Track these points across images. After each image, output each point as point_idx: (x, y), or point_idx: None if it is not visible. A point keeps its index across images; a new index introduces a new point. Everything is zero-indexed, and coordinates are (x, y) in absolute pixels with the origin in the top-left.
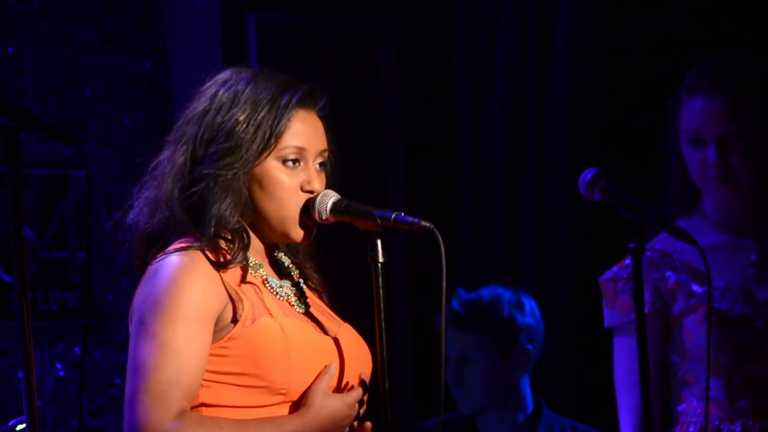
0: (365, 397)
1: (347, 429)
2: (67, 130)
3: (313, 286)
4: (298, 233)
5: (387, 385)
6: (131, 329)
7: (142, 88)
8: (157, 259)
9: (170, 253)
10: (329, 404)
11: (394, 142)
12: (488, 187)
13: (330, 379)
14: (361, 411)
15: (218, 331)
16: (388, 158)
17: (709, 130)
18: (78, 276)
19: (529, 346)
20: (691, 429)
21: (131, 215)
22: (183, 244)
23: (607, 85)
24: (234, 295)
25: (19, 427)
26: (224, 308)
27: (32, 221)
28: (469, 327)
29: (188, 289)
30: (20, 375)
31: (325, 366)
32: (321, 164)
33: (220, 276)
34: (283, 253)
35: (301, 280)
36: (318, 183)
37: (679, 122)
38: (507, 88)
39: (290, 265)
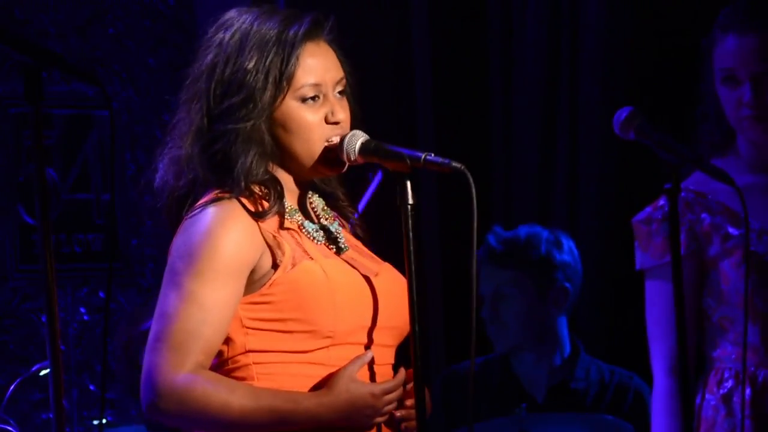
0: (405, 392)
1: (378, 421)
2: (90, 70)
3: (345, 219)
4: (327, 166)
5: (417, 328)
6: (164, 275)
7: (166, 27)
8: (194, 211)
9: (208, 203)
10: (352, 389)
11: (424, 83)
12: (520, 128)
13: (361, 366)
14: (398, 413)
15: (259, 279)
16: (418, 99)
17: (744, 69)
18: (102, 218)
19: (567, 284)
20: (726, 375)
21: (157, 179)
22: (219, 194)
23: (642, 25)
24: (272, 242)
25: (43, 372)
26: (261, 257)
27: (55, 162)
28: (505, 263)
29: (221, 241)
30: (43, 319)
31: (356, 357)
32: (341, 92)
33: (258, 224)
34: (317, 195)
35: (336, 223)
36: (342, 113)
37: (713, 61)
38: (540, 27)
39: (325, 208)
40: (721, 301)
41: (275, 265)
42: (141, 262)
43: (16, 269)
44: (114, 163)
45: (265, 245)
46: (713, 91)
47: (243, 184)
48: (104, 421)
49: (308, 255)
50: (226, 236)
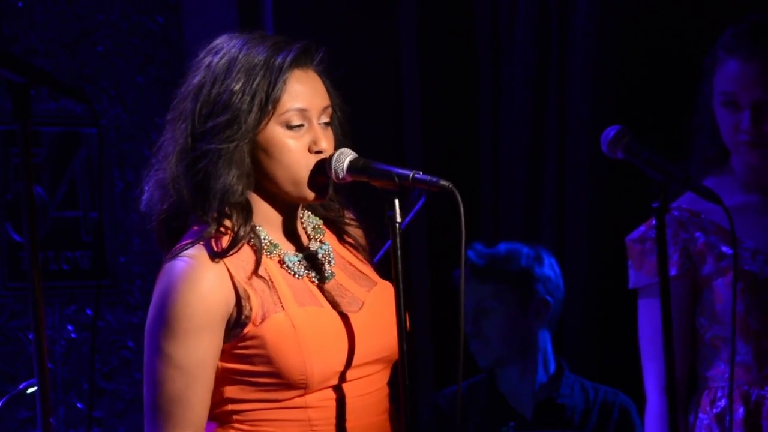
0: None
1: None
2: (78, 87)
3: (349, 240)
4: (311, 194)
5: (405, 347)
6: (145, 326)
7: (154, 45)
8: (168, 258)
9: (177, 253)
10: None
11: (412, 99)
12: (509, 146)
13: None
14: None
15: (230, 330)
16: (406, 116)
17: (745, 95)
18: (90, 236)
19: (548, 297)
20: (719, 394)
21: (143, 202)
22: (188, 241)
23: (631, 43)
24: (242, 293)
25: (30, 389)
26: (234, 307)
27: (43, 180)
28: (485, 277)
29: (190, 299)
30: (31, 337)
31: None
32: (327, 122)
33: (228, 270)
34: (310, 213)
35: (326, 243)
36: (325, 142)
37: (714, 81)
38: (528, 43)
39: (317, 227)
40: (714, 320)
41: (243, 322)
42: (129, 280)
43: (4, 287)
44: (102, 180)
45: (235, 297)
46: (710, 109)
47: (216, 205)
48: None
49: (280, 303)
50: (194, 292)
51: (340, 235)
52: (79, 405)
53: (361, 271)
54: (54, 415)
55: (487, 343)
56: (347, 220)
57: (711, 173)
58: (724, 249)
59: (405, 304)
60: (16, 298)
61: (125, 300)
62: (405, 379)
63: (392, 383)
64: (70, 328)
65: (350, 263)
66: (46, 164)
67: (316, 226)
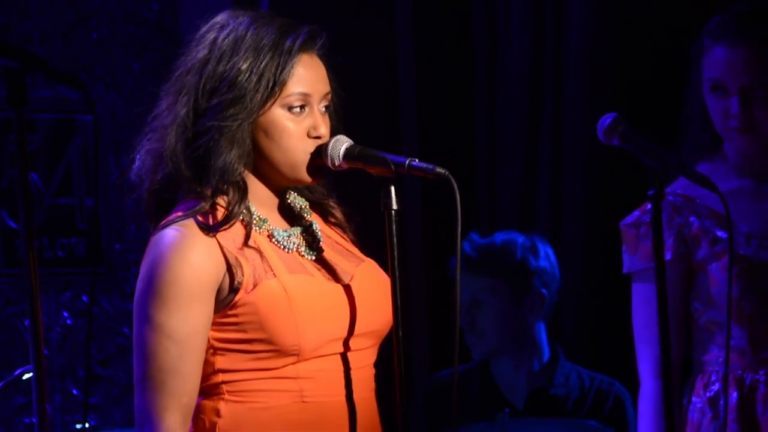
0: None
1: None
2: (74, 74)
3: (333, 220)
4: (308, 176)
5: (400, 333)
6: (134, 297)
7: (149, 33)
8: (156, 231)
9: (166, 225)
10: None
11: (408, 87)
12: (504, 133)
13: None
14: None
15: (222, 299)
16: (402, 104)
17: (733, 81)
18: (85, 223)
19: (544, 291)
20: (713, 378)
21: (134, 170)
22: (180, 213)
23: (627, 30)
24: (233, 261)
25: (26, 376)
26: (223, 277)
27: (39, 167)
28: (481, 270)
29: (180, 268)
30: (26, 323)
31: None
32: (326, 107)
33: (218, 242)
34: (296, 194)
35: (314, 222)
36: (324, 127)
37: (702, 69)
38: (524, 31)
39: (304, 206)
40: (709, 304)
41: (235, 288)
42: (124, 267)
43: (0, 273)
44: (97, 167)
45: (225, 265)
46: (700, 97)
47: (215, 182)
48: (87, 425)
49: (272, 271)
50: (184, 261)
51: (326, 216)
52: (74, 391)
53: (347, 250)
54: (50, 402)
55: (481, 335)
56: (331, 203)
57: (704, 160)
58: (719, 233)
59: (397, 290)
60: (12, 285)
61: (121, 287)
62: (401, 365)
63: (386, 368)
64: (65, 314)
65: (337, 242)
66: (42, 151)
67: (303, 207)
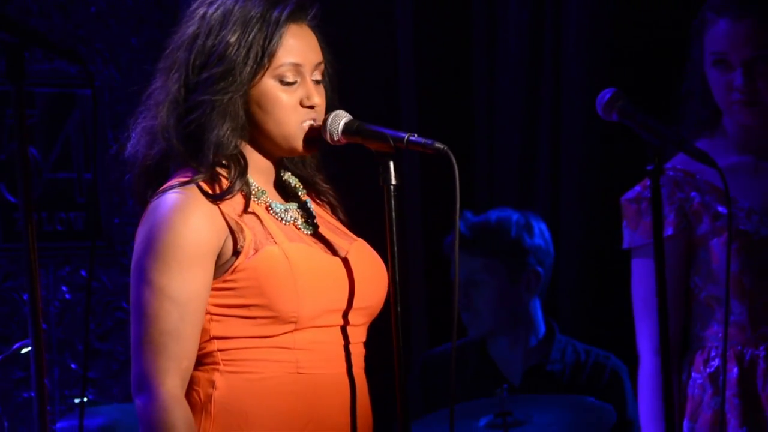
0: None
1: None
2: (73, 48)
3: (325, 200)
4: (302, 146)
5: (399, 309)
6: (132, 264)
7: (148, 6)
8: (155, 196)
9: (166, 190)
10: None
11: (407, 63)
12: (503, 109)
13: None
14: None
15: (222, 264)
16: (401, 80)
17: (737, 54)
18: (84, 197)
19: (539, 268)
20: (713, 354)
21: (128, 147)
22: (181, 179)
23: (626, 6)
24: (234, 227)
25: (24, 350)
26: (225, 241)
27: (37, 141)
28: (476, 250)
29: (182, 230)
30: (25, 297)
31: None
32: (319, 80)
33: (219, 208)
34: (290, 173)
35: (308, 200)
36: (317, 97)
37: (704, 42)
38: (523, 6)
39: (297, 185)
40: (709, 279)
41: (237, 251)
42: (123, 241)
43: None
44: (96, 141)
45: (228, 230)
46: (701, 71)
47: (211, 157)
48: (85, 399)
49: (272, 238)
50: (186, 225)
51: (317, 195)
52: (73, 366)
53: (339, 229)
54: (48, 376)
55: (477, 314)
56: (323, 184)
57: (703, 135)
58: (720, 209)
59: (396, 266)
60: (11, 259)
61: (120, 261)
62: (399, 341)
63: (382, 344)
64: (64, 289)
65: (329, 222)
66: (41, 125)
67: (296, 185)
